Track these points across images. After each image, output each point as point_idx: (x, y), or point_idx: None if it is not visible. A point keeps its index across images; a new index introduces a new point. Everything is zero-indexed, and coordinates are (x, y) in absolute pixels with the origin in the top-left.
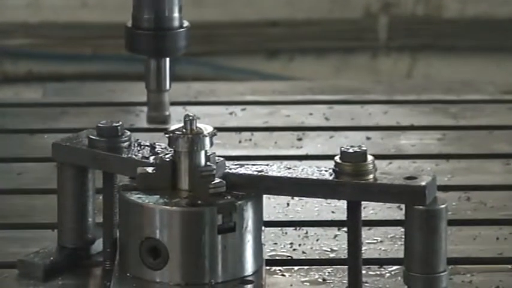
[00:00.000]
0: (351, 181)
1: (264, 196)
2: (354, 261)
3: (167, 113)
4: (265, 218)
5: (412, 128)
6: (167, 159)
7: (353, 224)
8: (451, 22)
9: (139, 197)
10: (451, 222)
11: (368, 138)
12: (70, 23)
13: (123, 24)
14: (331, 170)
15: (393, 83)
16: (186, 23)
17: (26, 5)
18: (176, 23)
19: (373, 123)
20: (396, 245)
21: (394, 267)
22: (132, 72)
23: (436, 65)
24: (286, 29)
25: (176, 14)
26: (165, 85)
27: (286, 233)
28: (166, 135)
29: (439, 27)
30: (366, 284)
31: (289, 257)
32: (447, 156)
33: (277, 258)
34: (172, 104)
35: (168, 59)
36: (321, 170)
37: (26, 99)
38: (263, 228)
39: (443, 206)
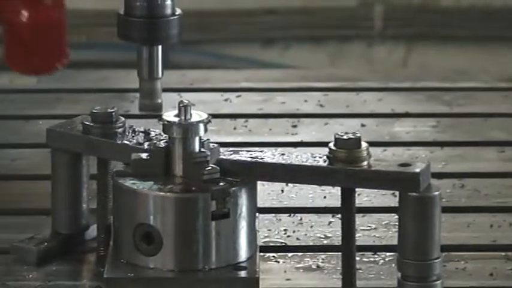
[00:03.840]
0: (344, 168)
1: (259, 183)
2: (348, 247)
3: (159, 101)
4: (260, 204)
5: (406, 115)
6: (161, 146)
7: (347, 211)
8: (447, 11)
9: (133, 183)
10: (445, 210)
11: (363, 125)
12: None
13: (117, 12)
14: (325, 157)
15: (388, 72)
16: (178, 11)
17: None
18: (169, 11)
19: (368, 111)
20: (390, 232)
21: (388, 254)
22: (126, 59)
23: (431, 54)
24: (282, 17)
25: (169, 2)
26: (158, 73)
27: (280, 219)
28: (161, 122)
29: (434, 16)
30: (360, 271)
31: (283, 244)
32: (441, 144)
33: (271, 244)
34: (168, 90)
35: (160, 47)
36: (315, 157)
37: (21, 85)
38: (257, 214)
39: (437, 192)
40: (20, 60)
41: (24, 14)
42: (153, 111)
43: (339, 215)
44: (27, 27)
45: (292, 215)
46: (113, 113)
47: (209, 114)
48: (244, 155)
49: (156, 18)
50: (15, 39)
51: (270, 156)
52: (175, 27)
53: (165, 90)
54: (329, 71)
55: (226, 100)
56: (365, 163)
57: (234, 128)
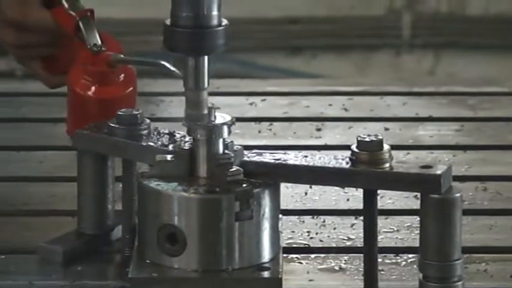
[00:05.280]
0: (366, 169)
1: (282, 185)
2: (370, 249)
3: (205, 111)
4: (283, 206)
5: (430, 119)
6: (186, 147)
7: (369, 213)
8: (475, 20)
9: (157, 184)
10: (467, 212)
11: (386, 129)
12: None
13: (142, 20)
14: (347, 159)
15: (415, 81)
16: (224, 21)
17: None
18: (215, 21)
19: (391, 115)
20: (413, 234)
21: (410, 256)
22: (151, 69)
23: (459, 62)
24: (309, 26)
25: (215, 12)
26: (204, 83)
27: (303, 221)
28: (185, 124)
29: (462, 25)
30: (382, 272)
31: (307, 245)
32: (464, 147)
33: (294, 246)
34: None
35: (206, 57)
36: (338, 159)
37: (48, 89)
38: (281, 216)
39: (458, 194)
40: None
41: (93, 89)
42: (198, 121)
43: (362, 217)
44: (95, 102)
45: (315, 217)
46: (138, 115)
47: (233, 117)
48: (267, 157)
49: (202, 28)
50: (81, 112)
51: (293, 158)
52: (221, 37)
53: None
54: (356, 80)
55: (251, 104)
56: (387, 165)
57: (259, 132)
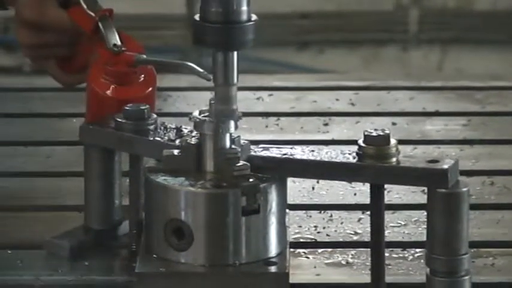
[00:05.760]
0: (373, 164)
1: (290, 180)
2: (377, 244)
3: (234, 107)
4: (291, 201)
5: (437, 113)
6: (192, 142)
7: (376, 207)
8: (482, 15)
9: (164, 179)
10: (475, 206)
11: (394, 124)
12: None
13: (149, 16)
14: (354, 153)
15: (422, 76)
16: (254, 17)
17: None
18: (244, 16)
19: (399, 109)
20: (420, 229)
21: (418, 250)
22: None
23: (466, 58)
24: (317, 21)
25: (244, 8)
26: (233, 79)
27: (310, 216)
28: (192, 119)
29: (470, 20)
30: (389, 267)
31: (314, 240)
32: (471, 142)
33: (301, 240)
34: (200, 89)
35: (236, 53)
36: (345, 153)
37: (55, 83)
38: (288, 211)
39: (465, 189)
40: None
41: (112, 89)
42: (228, 117)
43: (369, 212)
44: (114, 101)
45: (322, 211)
46: (145, 110)
47: (240, 112)
48: (274, 152)
49: (232, 23)
50: (100, 111)
51: (300, 152)
52: (250, 33)
53: (197, 89)
54: (363, 75)
55: (258, 99)
56: (394, 159)
57: (266, 126)
